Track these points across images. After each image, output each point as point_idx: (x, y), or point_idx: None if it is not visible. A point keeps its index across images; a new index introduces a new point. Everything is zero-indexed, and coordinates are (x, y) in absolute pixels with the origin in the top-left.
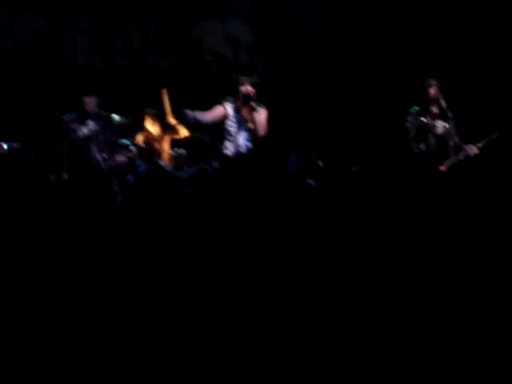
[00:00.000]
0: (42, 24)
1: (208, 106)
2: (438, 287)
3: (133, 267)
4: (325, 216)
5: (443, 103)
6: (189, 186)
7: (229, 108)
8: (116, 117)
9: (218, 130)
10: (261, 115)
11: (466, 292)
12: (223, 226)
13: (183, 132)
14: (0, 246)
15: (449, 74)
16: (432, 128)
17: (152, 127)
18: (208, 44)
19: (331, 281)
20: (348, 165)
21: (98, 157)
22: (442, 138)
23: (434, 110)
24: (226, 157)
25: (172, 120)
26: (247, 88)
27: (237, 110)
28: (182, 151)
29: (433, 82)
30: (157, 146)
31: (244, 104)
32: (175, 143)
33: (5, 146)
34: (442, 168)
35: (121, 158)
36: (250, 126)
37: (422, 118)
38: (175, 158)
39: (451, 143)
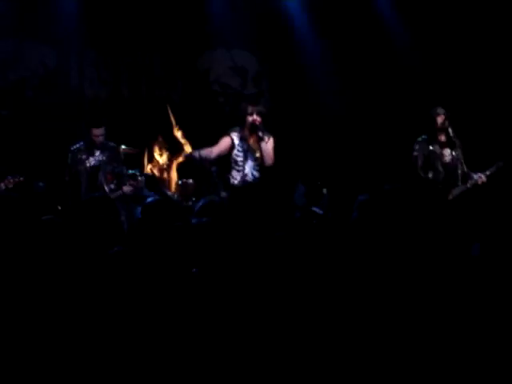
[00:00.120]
0: (49, 55)
1: (215, 136)
2: (450, 314)
3: (140, 298)
4: (332, 245)
5: (451, 131)
6: (196, 216)
7: (235, 138)
8: (123, 147)
9: (226, 159)
10: (268, 144)
11: (478, 318)
12: (229, 256)
13: (188, 148)
14: (8, 272)
15: (456, 102)
16: (440, 156)
17: (160, 157)
18: (215, 74)
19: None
20: (355, 193)
21: (106, 187)
22: (450, 167)
23: (442, 138)
24: (233, 186)
25: (178, 134)
26: (254, 117)
27: (243, 140)
28: (190, 181)
29: (440, 110)
30: (165, 175)
31: (251, 133)
32: (183, 173)
33: (10, 179)
34: (450, 196)
35: (128, 188)
36: (257, 155)
37: (430, 147)
38: (183, 188)
39: (459, 171)
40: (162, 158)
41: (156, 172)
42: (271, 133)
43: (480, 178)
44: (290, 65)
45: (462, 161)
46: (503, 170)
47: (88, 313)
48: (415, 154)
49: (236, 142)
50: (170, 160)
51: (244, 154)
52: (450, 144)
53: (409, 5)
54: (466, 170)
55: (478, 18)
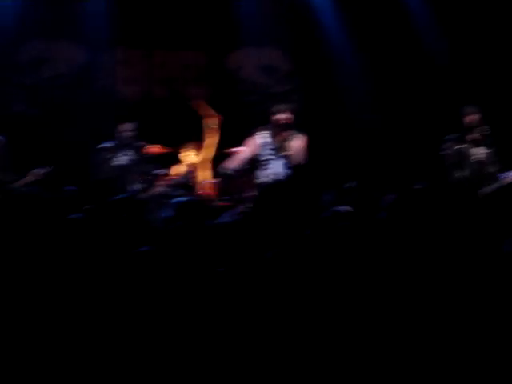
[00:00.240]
0: (79, 54)
1: (245, 135)
2: (479, 310)
3: (165, 296)
4: (359, 245)
5: (483, 130)
6: (226, 215)
7: (261, 138)
8: (153, 146)
9: (255, 158)
10: (297, 143)
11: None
12: (257, 254)
13: (214, 140)
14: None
15: (487, 101)
16: (470, 155)
17: (191, 157)
18: (245, 73)
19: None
20: (384, 192)
21: (134, 187)
22: (481, 165)
23: (472, 136)
24: (262, 185)
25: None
26: (281, 116)
27: (271, 138)
28: (220, 181)
29: (472, 109)
30: (195, 175)
31: (279, 132)
32: (214, 173)
33: (40, 172)
34: (481, 195)
35: (158, 188)
36: (285, 154)
37: (460, 145)
38: (214, 188)
39: (490, 170)
40: (193, 159)
41: (187, 172)
42: (301, 131)
43: (510, 176)
44: (320, 63)
45: (493, 159)
46: None
47: (114, 311)
48: (446, 152)
49: (262, 141)
50: (203, 158)
51: (272, 153)
52: (480, 142)
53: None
54: (496, 168)
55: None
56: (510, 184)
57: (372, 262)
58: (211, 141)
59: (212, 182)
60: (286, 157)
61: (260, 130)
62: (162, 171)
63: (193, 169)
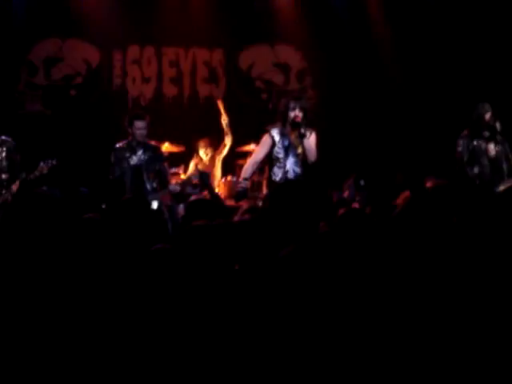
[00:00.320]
0: (92, 53)
1: (258, 133)
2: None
3: (182, 295)
4: (375, 242)
5: (498, 126)
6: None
7: (275, 135)
8: (167, 145)
9: (268, 156)
10: (310, 140)
11: None
12: (271, 252)
13: (228, 140)
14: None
15: (499, 97)
16: (485, 151)
17: (205, 154)
18: (258, 70)
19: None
20: (396, 188)
21: (148, 186)
22: (496, 161)
23: (486, 133)
24: (275, 183)
25: (224, 122)
26: (296, 113)
27: (284, 136)
28: (234, 179)
29: (488, 107)
30: (209, 173)
31: (293, 129)
32: (227, 170)
33: (42, 164)
34: (498, 191)
35: (173, 186)
36: (299, 151)
37: (475, 142)
38: (227, 186)
39: (504, 166)
40: (206, 156)
41: (200, 170)
42: (314, 128)
43: None
44: (335, 59)
45: (509, 155)
46: None
47: (130, 309)
48: (460, 149)
49: (276, 138)
50: (213, 156)
51: (285, 150)
52: (493, 138)
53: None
54: (509, 164)
55: None
56: None
57: (387, 260)
58: (225, 140)
59: (225, 180)
60: (299, 154)
61: (273, 127)
62: (176, 170)
63: (206, 167)
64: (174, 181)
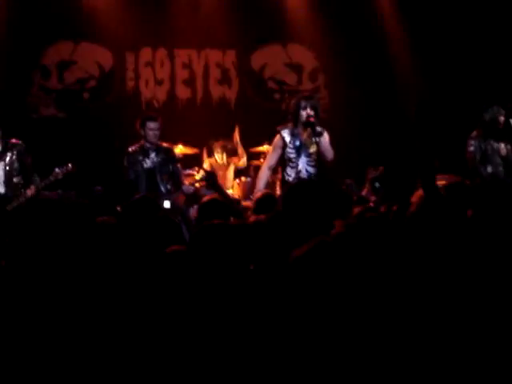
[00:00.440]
0: (105, 56)
1: (272, 133)
2: None
3: (196, 296)
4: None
5: (504, 127)
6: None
7: (286, 135)
8: (180, 147)
9: (281, 157)
10: (325, 138)
11: None
12: (286, 252)
13: (244, 161)
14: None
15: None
16: (497, 150)
17: (219, 157)
18: (270, 71)
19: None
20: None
21: (162, 188)
22: (508, 160)
23: (497, 133)
24: (288, 183)
25: (239, 150)
26: (308, 112)
27: (295, 135)
28: (248, 180)
29: (502, 110)
30: (221, 174)
31: (305, 128)
32: (239, 172)
33: (57, 170)
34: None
35: (188, 188)
36: (311, 150)
37: (486, 142)
38: (241, 187)
39: None
40: (221, 158)
41: (213, 172)
42: (327, 128)
43: None
44: (347, 59)
45: None
46: None
47: (144, 311)
48: (471, 149)
49: (287, 139)
50: (228, 161)
51: (296, 150)
52: (504, 138)
53: None
54: None
55: None
56: None
57: (402, 260)
58: (240, 154)
59: (240, 181)
60: (312, 154)
61: (283, 128)
62: (190, 172)
63: (220, 168)
64: (187, 182)
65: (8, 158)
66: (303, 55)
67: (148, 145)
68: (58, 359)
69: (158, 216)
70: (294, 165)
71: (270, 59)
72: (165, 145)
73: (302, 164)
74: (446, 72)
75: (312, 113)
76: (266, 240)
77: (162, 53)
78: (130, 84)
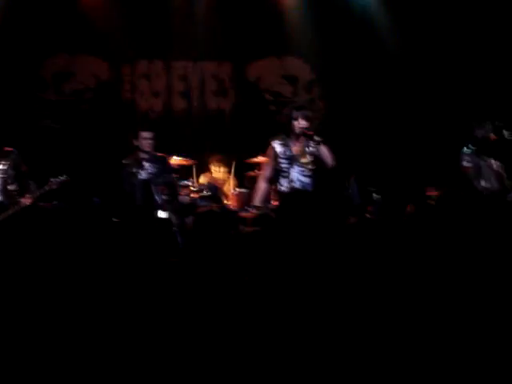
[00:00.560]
0: (101, 68)
1: (266, 145)
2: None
3: (192, 306)
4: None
5: (505, 134)
6: (250, 224)
7: (277, 146)
8: (176, 158)
9: (275, 168)
10: (324, 149)
11: None
12: (281, 263)
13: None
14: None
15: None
16: (490, 165)
17: (217, 171)
18: (266, 82)
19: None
20: (404, 200)
21: (158, 198)
22: (500, 174)
23: (488, 148)
24: (282, 193)
25: (231, 182)
26: (300, 122)
27: (286, 146)
28: (244, 191)
29: (490, 125)
30: (219, 185)
31: (298, 138)
32: (237, 183)
33: (53, 180)
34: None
35: (184, 198)
36: (304, 160)
37: (480, 157)
38: (238, 198)
39: (508, 180)
40: (218, 173)
41: (211, 182)
42: (324, 139)
43: None
44: (342, 71)
45: (508, 170)
46: None
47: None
48: (466, 164)
49: (278, 149)
50: (224, 174)
51: (288, 160)
52: (494, 153)
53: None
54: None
55: None
56: None
57: (399, 269)
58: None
59: (236, 192)
60: (306, 163)
61: (274, 139)
62: (186, 182)
63: (217, 180)
64: (184, 193)
65: (1, 166)
66: (298, 67)
67: (143, 155)
68: (58, 359)
69: (153, 226)
70: (286, 174)
71: (265, 71)
72: (160, 155)
73: (295, 174)
74: (445, 81)
75: (306, 124)
76: (261, 250)
77: (158, 65)
78: (127, 96)
